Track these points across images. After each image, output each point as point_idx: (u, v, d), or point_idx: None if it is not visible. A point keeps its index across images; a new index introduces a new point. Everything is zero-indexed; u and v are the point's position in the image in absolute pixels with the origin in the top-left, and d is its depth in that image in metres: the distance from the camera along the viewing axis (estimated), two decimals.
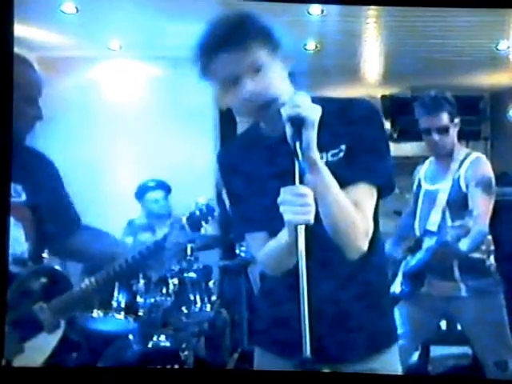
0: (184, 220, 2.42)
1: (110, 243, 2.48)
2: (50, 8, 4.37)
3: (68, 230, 2.35)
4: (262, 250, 1.83)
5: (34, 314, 2.19)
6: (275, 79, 1.76)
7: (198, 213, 2.42)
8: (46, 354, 2.18)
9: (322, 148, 1.74)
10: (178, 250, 2.46)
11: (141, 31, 5.10)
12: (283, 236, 1.69)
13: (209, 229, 2.53)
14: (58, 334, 2.22)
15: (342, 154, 1.79)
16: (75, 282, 2.36)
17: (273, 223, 1.69)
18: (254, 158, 1.86)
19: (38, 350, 2.18)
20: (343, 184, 1.74)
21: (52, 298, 2.22)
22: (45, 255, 2.33)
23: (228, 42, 1.73)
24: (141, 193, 4.66)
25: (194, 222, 2.42)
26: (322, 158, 1.75)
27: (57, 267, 2.29)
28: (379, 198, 1.81)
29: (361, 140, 1.78)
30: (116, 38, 5.32)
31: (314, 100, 1.80)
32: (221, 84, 1.78)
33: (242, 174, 1.87)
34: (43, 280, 2.22)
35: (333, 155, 1.79)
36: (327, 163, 1.75)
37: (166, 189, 4.67)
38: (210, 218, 2.47)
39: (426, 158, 3.36)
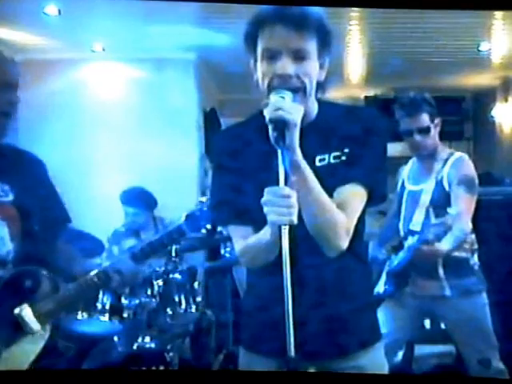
0: (183, 219, 2.38)
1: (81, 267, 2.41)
2: (33, 10, 4.35)
3: (56, 228, 2.32)
4: (243, 242, 1.84)
5: (18, 317, 2.16)
6: (311, 76, 1.77)
7: (198, 213, 2.38)
8: (31, 359, 2.13)
9: (325, 149, 1.82)
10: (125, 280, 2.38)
11: (124, 33, 5.10)
12: (265, 234, 1.71)
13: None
14: (44, 338, 2.17)
15: (344, 158, 1.82)
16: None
17: (259, 218, 1.68)
18: (251, 150, 1.86)
19: (22, 354, 2.13)
20: (338, 185, 1.78)
21: (37, 301, 2.18)
22: None
23: (290, 18, 1.75)
24: (122, 200, 4.60)
25: (194, 221, 2.38)
26: (323, 159, 1.81)
27: (43, 269, 2.24)
28: (370, 204, 1.84)
29: (363, 146, 1.82)
30: (99, 40, 5.31)
31: (324, 104, 1.87)
32: (262, 53, 1.77)
33: (235, 164, 1.87)
34: (28, 282, 2.19)
35: (335, 157, 1.83)
36: (329, 164, 1.81)
37: (143, 205, 4.58)
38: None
39: (409, 158, 3.39)
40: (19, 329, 2.15)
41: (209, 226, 2.37)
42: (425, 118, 3.14)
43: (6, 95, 2.15)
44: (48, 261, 2.25)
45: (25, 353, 2.14)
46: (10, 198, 2.19)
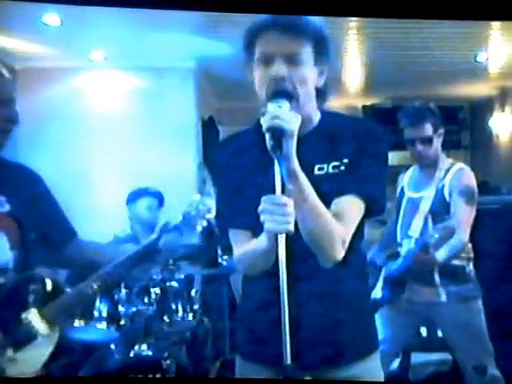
0: (179, 219, 2.40)
1: (104, 253, 2.45)
2: (33, 19, 4.37)
3: (62, 241, 2.33)
4: (242, 247, 1.85)
5: (26, 321, 2.15)
6: (306, 82, 1.79)
7: (193, 212, 2.38)
8: (41, 363, 2.13)
9: (324, 159, 1.82)
10: (171, 252, 2.43)
11: (123, 42, 5.12)
12: (261, 242, 1.72)
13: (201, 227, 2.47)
14: (53, 341, 2.16)
15: (343, 168, 1.82)
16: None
17: (258, 223, 1.67)
18: (250, 158, 1.87)
19: (32, 358, 2.13)
20: (336, 195, 1.78)
21: (44, 305, 2.18)
22: None
23: (284, 24, 1.77)
24: (136, 195, 4.53)
25: (190, 220, 2.38)
26: (322, 168, 1.81)
27: (47, 274, 2.24)
28: (367, 216, 1.84)
29: (363, 158, 1.82)
30: (99, 49, 5.33)
31: (327, 113, 1.89)
32: (258, 59, 1.79)
33: (235, 170, 1.88)
34: (33, 286, 2.19)
35: (334, 167, 1.83)
36: (327, 174, 1.81)
37: (161, 199, 4.59)
38: (207, 214, 2.41)
39: (406, 167, 3.41)
40: (28, 333, 2.16)
41: (204, 223, 2.37)
42: (428, 129, 3.16)
43: (3, 112, 2.15)
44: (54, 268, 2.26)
45: (35, 357, 2.14)
46: (6, 208, 2.19)
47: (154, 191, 4.51)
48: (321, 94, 1.86)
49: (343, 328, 1.86)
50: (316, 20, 1.84)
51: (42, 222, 2.24)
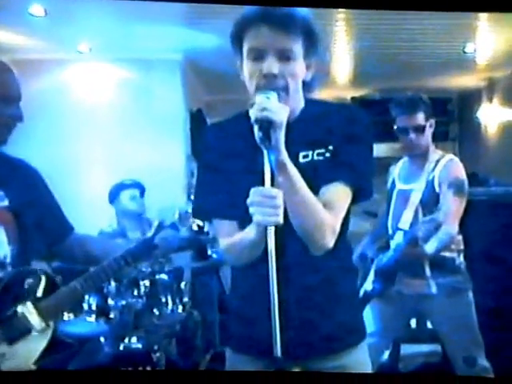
0: (176, 217, 2.41)
1: (101, 247, 2.47)
2: (19, 10, 4.33)
3: (59, 236, 2.35)
4: (228, 239, 1.84)
5: (22, 315, 2.17)
6: (296, 76, 1.79)
7: (190, 210, 2.41)
8: (36, 356, 2.16)
9: (308, 146, 1.82)
10: (168, 247, 2.44)
11: (110, 34, 5.09)
12: (250, 233, 1.71)
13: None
14: (48, 334, 2.19)
15: (328, 155, 1.82)
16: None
17: (244, 214, 1.67)
18: (238, 147, 1.86)
19: (27, 352, 2.15)
20: (322, 183, 1.78)
21: (39, 300, 2.20)
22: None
23: (275, 18, 1.76)
24: (116, 190, 4.52)
25: (186, 219, 2.41)
26: (307, 156, 1.81)
27: (43, 268, 2.26)
28: (355, 201, 1.84)
29: (348, 144, 1.82)
30: (86, 41, 5.29)
31: (310, 101, 1.89)
32: (248, 53, 1.79)
33: (221, 162, 1.87)
34: (29, 281, 2.20)
35: (318, 154, 1.83)
36: (312, 161, 1.81)
37: (142, 188, 4.59)
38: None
39: (396, 158, 3.41)
40: (22, 327, 2.16)
41: (200, 222, 2.39)
42: (421, 118, 3.17)
43: (13, 111, 2.17)
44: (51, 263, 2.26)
45: (30, 350, 2.16)
46: (5, 203, 2.20)
47: (132, 182, 4.52)
48: (306, 86, 1.86)
49: (331, 318, 1.86)
50: (305, 13, 1.82)
51: (40, 216, 2.25)
